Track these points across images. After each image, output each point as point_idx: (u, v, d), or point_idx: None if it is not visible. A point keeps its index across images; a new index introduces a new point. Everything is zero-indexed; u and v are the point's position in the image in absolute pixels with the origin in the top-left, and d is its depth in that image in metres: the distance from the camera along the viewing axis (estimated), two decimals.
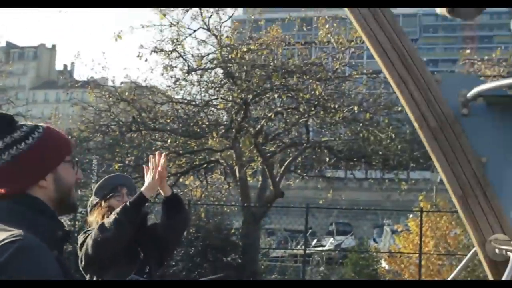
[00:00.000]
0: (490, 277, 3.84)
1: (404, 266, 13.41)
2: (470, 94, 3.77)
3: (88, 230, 3.75)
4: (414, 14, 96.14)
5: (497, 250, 3.57)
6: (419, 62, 3.97)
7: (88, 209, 3.96)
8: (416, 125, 4.00)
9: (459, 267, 4.11)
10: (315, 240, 23.40)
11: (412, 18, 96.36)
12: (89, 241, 3.54)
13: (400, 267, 13.52)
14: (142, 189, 3.59)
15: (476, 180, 3.91)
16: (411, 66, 3.96)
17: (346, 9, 4.14)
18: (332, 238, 23.60)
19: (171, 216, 3.72)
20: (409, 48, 3.99)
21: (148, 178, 3.63)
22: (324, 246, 22.36)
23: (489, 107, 3.95)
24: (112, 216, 3.52)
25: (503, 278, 3.24)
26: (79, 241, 3.70)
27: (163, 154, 3.67)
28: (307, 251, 18.61)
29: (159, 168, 3.60)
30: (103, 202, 3.85)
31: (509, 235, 3.66)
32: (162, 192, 3.71)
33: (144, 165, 3.70)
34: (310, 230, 21.28)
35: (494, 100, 3.83)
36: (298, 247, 18.66)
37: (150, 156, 3.63)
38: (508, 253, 3.42)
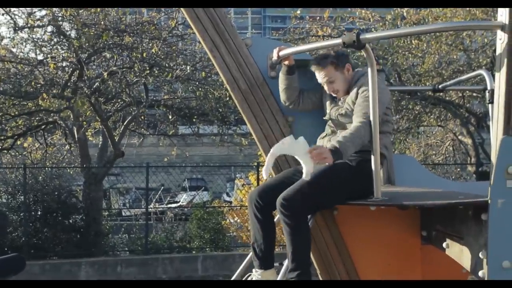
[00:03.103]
0: None
1: (246, 218, 13.88)
2: (276, 57, 4.03)
3: None
4: None
5: None
6: (230, 28, 4.15)
7: None
8: (228, 87, 4.21)
9: None
10: (169, 197, 23.61)
11: None
12: None
13: (243, 219, 13.99)
14: None
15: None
16: (223, 31, 4.13)
17: None
18: (185, 194, 23.86)
19: None
20: (221, 14, 4.15)
21: None
22: (178, 202, 22.67)
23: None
24: None
25: None
26: None
27: None
28: (160, 209, 19.36)
29: None
30: None
31: None
32: None
33: None
34: (162, 188, 21.47)
35: (298, 63, 4.12)
36: (152, 205, 18.72)
37: None
38: None
